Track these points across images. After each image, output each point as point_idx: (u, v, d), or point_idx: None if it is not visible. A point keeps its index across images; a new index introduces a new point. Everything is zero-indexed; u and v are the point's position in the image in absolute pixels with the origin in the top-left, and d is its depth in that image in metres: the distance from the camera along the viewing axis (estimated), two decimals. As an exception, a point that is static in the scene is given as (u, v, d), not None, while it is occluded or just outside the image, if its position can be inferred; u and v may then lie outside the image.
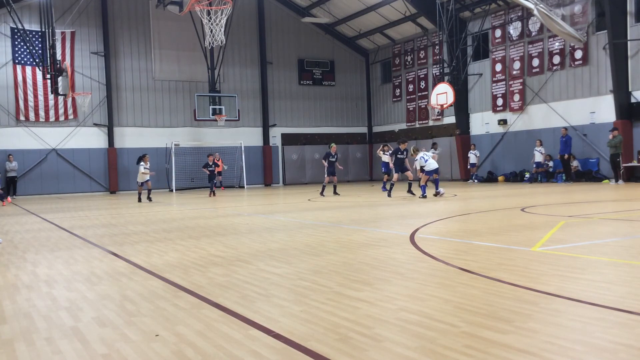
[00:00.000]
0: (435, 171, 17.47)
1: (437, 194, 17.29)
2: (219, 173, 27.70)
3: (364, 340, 3.48)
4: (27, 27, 25.68)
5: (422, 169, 17.94)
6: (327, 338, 3.54)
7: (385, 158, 20.09)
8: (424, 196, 16.80)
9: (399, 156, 17.99)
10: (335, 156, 19.68)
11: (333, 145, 19.97)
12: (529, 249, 6.61)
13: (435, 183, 17.50)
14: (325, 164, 19.62)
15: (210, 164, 22.42)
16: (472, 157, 26.51)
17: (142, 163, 19.34)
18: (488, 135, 27.17)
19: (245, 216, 12.75)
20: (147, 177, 19.48)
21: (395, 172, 18.28)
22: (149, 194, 20.25)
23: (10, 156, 25.51)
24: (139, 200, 19.97)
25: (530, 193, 17.21)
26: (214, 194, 22.49)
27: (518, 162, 25.62)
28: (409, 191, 18.05)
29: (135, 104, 29.36)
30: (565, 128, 22.62)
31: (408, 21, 29.84)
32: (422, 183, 17.23)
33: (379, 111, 34.82)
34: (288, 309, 4.31)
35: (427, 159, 17.53)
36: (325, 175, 19.81)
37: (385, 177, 20.28)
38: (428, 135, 30.60)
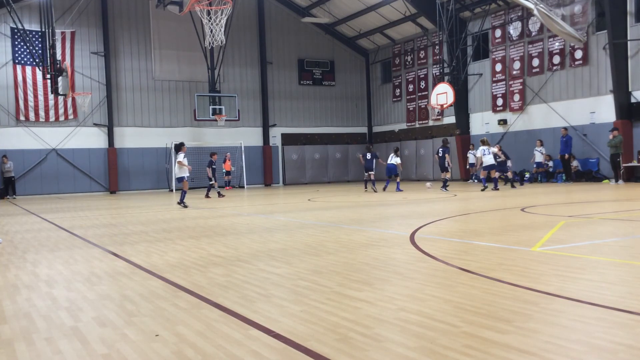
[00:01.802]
0: (492, 167, 19.56)
1: (484, 188, 19.03)
2: (228, 172, 27.80)
3: (364, 340, 3.48)
4: (27, 27, 25.69)
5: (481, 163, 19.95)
6: (327, 338, 3.54)
7: (396, 160, 21.03)
8: (484, 188, 18.95)
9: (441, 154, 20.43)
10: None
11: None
12: (529, 249, 6.61)
13: (493, 180, 19.59)
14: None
15: (214, 161, 21.07)
16: (471, 157, 26.30)
17: (180, 152, 16.09)
18: (488, 135, 27.13)
19: (245, 216, 12.75)
20: (186, 171, 16.09)
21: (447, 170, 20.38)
22: (183, 197, 16.28)
23: (5, 157, 25.41)
24: (183, 204, 16.17)
25: (530, 193, 17.22)
26: (208, 196, 20.89)
27: (518, 162, 25.61)
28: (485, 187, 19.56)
29: (135, 104, 29.37)
30: (566, 128, 22.61)
31: (408, 21, 29.84)
32: (482, 176, 19.52)
33: (379, 111, 34.82)
34: (288, 309, 4.31)
35: (485, 154, 19.48)
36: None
37: (398, 178, 21.46)
38: (428, 135, 30.61)
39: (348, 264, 6.09)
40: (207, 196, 21.01)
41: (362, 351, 3.28)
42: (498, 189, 19.13)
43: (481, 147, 19.70)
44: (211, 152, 21.76)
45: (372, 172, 21.08)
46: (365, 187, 21.68)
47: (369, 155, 21.30)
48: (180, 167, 16.07)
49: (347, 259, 6.45)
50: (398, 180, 21.40)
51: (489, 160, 19.50)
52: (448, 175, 20.18)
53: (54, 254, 7.70)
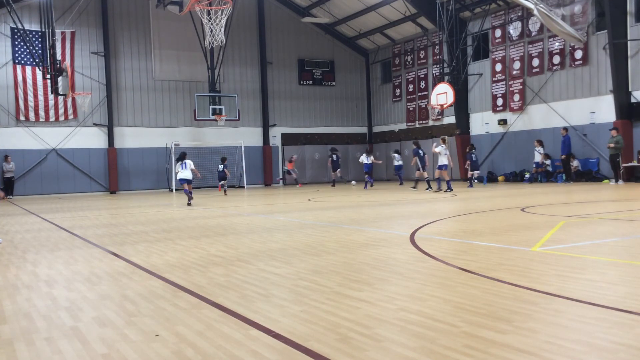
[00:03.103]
0: (445, 167, 19.35)
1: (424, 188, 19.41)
2: (289, 171, 29.12)
3: (364, 340, 3.48)
4: (27, 27, 25.68)
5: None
6: (327, 338, 3.54)
7: (366, 160, 24.30)
8: (448, 189, 18.94)
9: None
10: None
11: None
12: (529, 249, 6.61)
13: (445, 181, 19.40)
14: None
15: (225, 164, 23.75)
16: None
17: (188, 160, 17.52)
18: (488, 135, 27.17)
19: (245, 216, 12.75)
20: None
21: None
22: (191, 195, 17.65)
23: (8, 157, 25.46)
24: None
25: (530, 193, 17.22)
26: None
27: (518, 162, 25.62)
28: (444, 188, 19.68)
29: (135, 104, 29.37)
30: (565, 128, 22.61)
31: (408, 21, 29.85)
32: (447, 178, 19.28)
33: (379, 111, 34.83)
34: (288, 309, 4.31)
35: (445, 153, 19.41)
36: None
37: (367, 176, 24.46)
38: (428, 135, 30.60)
39: (348, 264, 6.09)
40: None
41: (362, 351, 3.28)
42: (441, 190, 19.05)
43: (441, 146, 19.44)
44: (222, 157, 24.18)
45: (339, 170, 25.95)
46: (333, 185, 26.18)
47: (334, 157, 25.54)
48: (194, 173, 17.50)
49: (347, 259, 6.45)
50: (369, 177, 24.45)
51: (444, 160, 19.33)
52: (426, 175, 21.14)
53: (54, 254, 7.70)
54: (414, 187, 21.24)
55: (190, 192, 17.45)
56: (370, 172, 24.77)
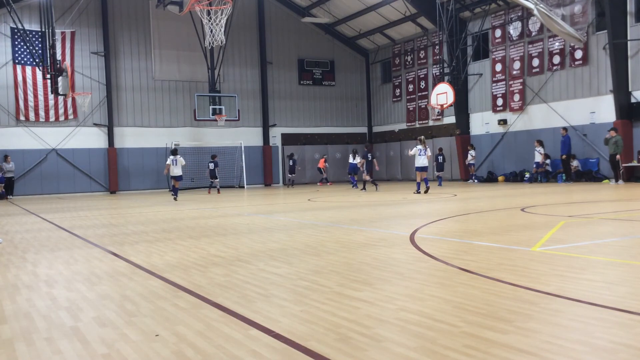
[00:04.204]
0: (425, 169, 18.83)
1: (423, 191, 18.63)
2: (320, 170, 30.43)
3: (364, 340, 3.48)
4: (27, 27, 25.68)
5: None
6: (327, 338, 3.54)
7: (352, 160, 24.72)
8: (417, 192, 18.71)
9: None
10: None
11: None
12: (529, 249, 6.61)
13: (424, 181, 19.10)
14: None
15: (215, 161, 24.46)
16: (469, 157, 26.68)
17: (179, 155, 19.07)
18: (488, 135, 27.17)
19: (245, 216, 12.75)
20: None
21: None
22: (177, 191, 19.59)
23: (8, 157, 25.47)
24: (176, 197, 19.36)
25: (530, 193, 17.22)
26: (214, 192, 24.80)
27: (518, 162, 25.62)
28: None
29: (135, 104, 29.37)
30: (565, 128, 22.61)
31: (408, 21, 29.85)
32: (424, 176, 18.90)
33: (379, 111, 34.83)
34: (288, 309, 4.31)
35: (421, 154, 18.68)
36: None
37: (357, 176, 24.94)
38: (428, 135, 30.59)
39: (348, 264, 6.09)
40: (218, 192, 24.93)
41: (362, 351, 3.28)
42: (426, 189, 18.82)
43: (418, 147, 18.58)
44: (213, 155, 24.96)
45: (294, 175, 28.26)
46: (291, 186, 28.56)
47: (291, 162, 27.57)
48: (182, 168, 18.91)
49: (347, 259, 6.45)
50: (356, 177, 24.90)
51: (423, 161, 18.45)
52: (368, 177, 21.66)
53: (54, 254, 7.70)
54: (364, 189, 21.74)
55: (177, 189, 19.20)
56: (355, 172, 24.77)
